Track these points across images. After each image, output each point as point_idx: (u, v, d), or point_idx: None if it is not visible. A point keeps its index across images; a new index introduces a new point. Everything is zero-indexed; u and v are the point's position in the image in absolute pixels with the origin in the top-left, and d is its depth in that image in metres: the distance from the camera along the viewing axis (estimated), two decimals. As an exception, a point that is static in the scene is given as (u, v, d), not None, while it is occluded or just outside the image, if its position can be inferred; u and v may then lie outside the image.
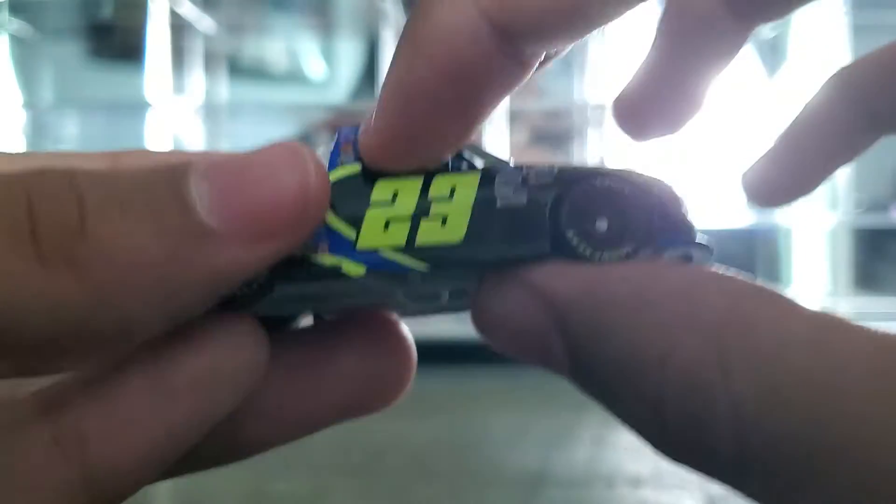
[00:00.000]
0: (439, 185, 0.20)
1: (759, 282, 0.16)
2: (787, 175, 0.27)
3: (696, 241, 0.19)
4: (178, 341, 0.18)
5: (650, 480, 0.63)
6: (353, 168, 0.20)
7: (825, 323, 0.15)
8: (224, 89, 1.33)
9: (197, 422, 0.18)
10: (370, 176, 0.20)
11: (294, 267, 0.19)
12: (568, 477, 0.56)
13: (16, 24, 1.30)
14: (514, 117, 1.16)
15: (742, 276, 0.17)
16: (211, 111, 1.22)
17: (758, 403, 0.15)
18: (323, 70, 2.24)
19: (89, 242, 0.16)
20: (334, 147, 0.20)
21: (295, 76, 2.23)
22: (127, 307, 0.16)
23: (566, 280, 0.18)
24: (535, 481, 0.53)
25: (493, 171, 0.20)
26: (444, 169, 0.20)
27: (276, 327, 0.20)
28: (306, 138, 1.58)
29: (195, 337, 0.18)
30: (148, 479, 0.18)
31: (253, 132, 1.40)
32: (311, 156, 0.18)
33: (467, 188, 0.20)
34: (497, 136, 1.03)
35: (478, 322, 0.19)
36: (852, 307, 1.17)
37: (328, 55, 2.23)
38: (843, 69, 0.26)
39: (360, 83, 1.61)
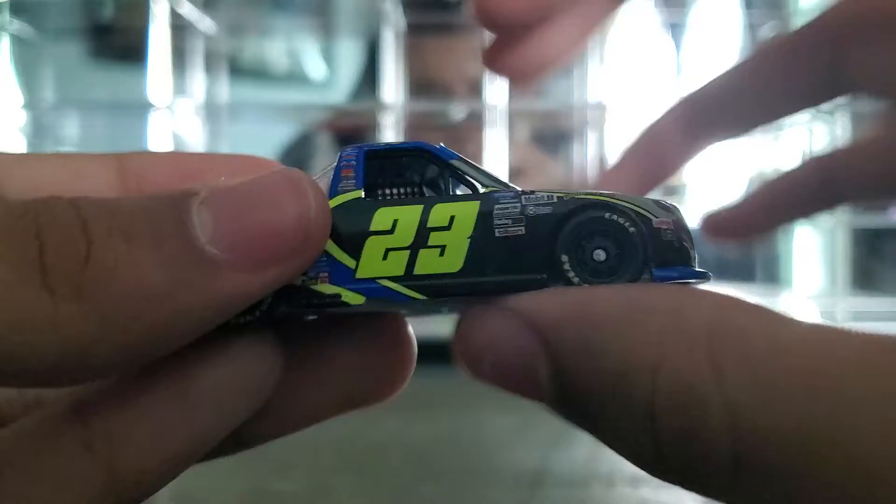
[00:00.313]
0: (438, 214, 0.20)
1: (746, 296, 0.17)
2: (748, 221, 0.31)
3: (693, 270, 0.20)
4: (199, 353, 0.19)
5: (650, 480, 0.63)
6: (353, 194, 0.20)
7: (816, 328, 0.16)
8: (225, 90, 1.33)
9: (217, 428, 0.19)
10: (370, 203, 0.20)
11: (295, 294, 0.19)
12: (568, 477, 0.56)
13: (16, 25, 1.30)
14: (514, 117, 1.16)
15: (729, 293, 0.17)
16: (211, 111, 1.22)
17: (753, 405, 0.15)
18: (323, 70, 2.24)
19: (95, 272, 0.16)
20: (335, 172, 0.20)
21: (295, 77, 2.23)
22: (130, 335, 0.16)
23: (552, 303, 0.18)
24: (535, 480, 0.54)
25: (492, 199, 0.20)
26: (445, 196, 0.21)
27: (278, 323, 0.20)
28: (307, 138, 1.58)
29: (215, 349, 0.19)
30: (169, 480, 0.19)
31: (253, 132, 1.40)
32: (312, 184, 0.18)
33: (466, 217, 0.20)
34: (497, 136, 1.03)
35: (459, 350, 0.19)
36: (851, 307, 1.17)
37: (328, 56, 2.22)
38: (822, 155, 0.31)
39: (361, 83, 1.60)
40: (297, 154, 1.60)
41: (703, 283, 0.20)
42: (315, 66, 2.24)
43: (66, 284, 0.16)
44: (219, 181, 0.18)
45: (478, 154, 1.14)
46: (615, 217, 0.19)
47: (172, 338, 0.17)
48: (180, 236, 0.17)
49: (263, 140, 1.58)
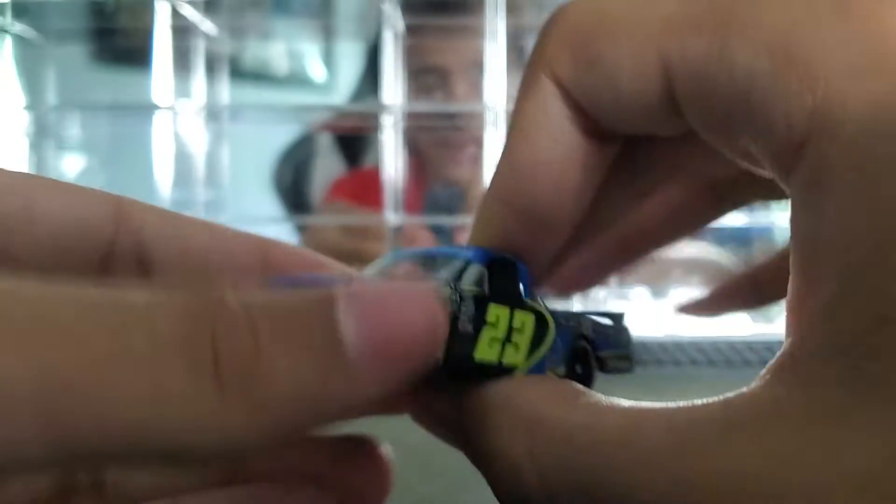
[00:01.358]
0: (517, 318, 0.26)
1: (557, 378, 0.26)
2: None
3: None
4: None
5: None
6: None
7: (596, 408, 0.22)
8: (226, 91, 1.33)
9: None
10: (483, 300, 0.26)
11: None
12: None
13: (19, 27, 1.31)
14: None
15: (546, 378, 0.26)
16: (213, 113, 1.22)
17: (558, 477, 0.22)
18: (324, 72, 2.25)
19: (262, 376, 0.18)
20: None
21: (297, 78, 2.24)
22: (280, 427, 0.18)
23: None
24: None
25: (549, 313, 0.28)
26: (522, 303, 0.27)
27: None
28: (308, 140, 1.58)
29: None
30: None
31: (255, 133, 1.40)
32: (437, 299, 0.20)
33: (530, 324, 0.27)
34: (497, 137, 1.04)
35: None
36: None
37: (330, 58, 2.23)
38: None
39: (362, 85, 1.61)
40: (298, 155, 1.60)
41: None
42: (316, 67, 2.24)
43: (236, 385, 0.17)
44: (355, 286, 0.19)
45: (478, 155, 1.14)
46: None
47: (309, 431, 0.19)
48: (332, 344, 0.18)
49: (265, 141, 1.59)
